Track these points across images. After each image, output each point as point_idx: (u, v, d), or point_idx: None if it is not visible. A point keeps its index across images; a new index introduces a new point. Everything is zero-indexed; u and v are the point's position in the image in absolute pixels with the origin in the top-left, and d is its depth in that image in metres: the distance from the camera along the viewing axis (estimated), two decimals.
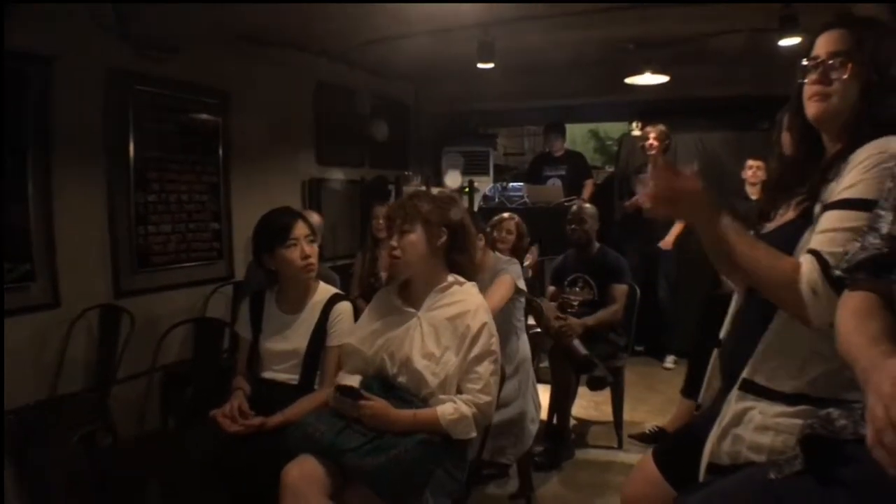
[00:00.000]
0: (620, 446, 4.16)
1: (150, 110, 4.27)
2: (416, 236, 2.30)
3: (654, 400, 4.99)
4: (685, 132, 6.42)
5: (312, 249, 2.63)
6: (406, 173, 6.42)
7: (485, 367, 2.22)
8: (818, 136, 1.60)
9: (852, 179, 1.39)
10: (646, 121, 6.53)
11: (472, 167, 7.17)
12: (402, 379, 2.25)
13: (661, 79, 5.76)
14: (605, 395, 4.23)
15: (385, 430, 2.11)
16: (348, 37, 5.11)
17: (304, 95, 5.74)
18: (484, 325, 2.25)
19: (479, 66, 5.08)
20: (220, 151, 4.82)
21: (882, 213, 1.22)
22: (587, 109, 8.23)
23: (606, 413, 4.36)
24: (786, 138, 2.89)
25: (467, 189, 6.33)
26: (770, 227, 1.65)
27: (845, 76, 1.49)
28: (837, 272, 1.29)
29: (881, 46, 1.48)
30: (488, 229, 3.78)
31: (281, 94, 5.37)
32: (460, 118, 7.98)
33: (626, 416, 4.30)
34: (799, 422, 1.37)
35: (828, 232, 1.37)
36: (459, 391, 2.21)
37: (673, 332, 5.87)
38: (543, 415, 3.95)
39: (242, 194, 4.95)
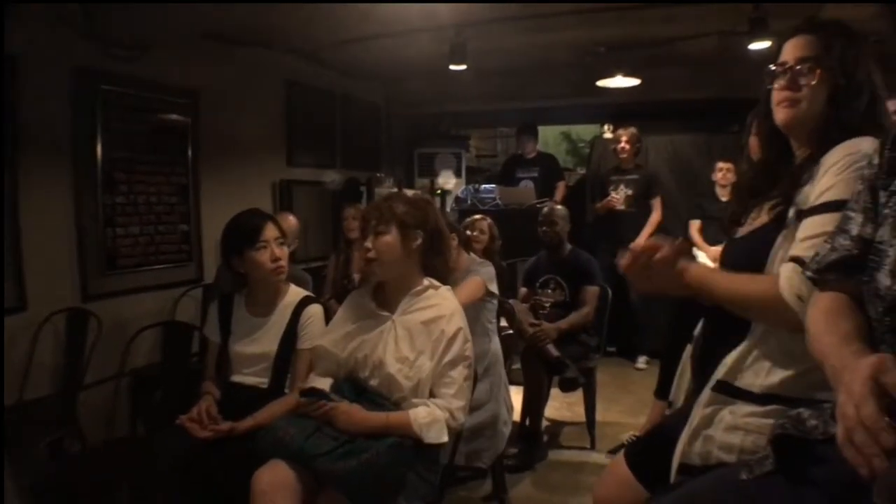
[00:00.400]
0: (593, 447, 4.17)
1: (117, 110, 4.20)
2: (391, 238, 2.27)
3: (627, 400, 5.02)
4: (656, 134, 6.49)
5: (282, 252, 2.60)
6: (378, 175, 6.38)
7: (458, 372, 2.21)
8: (787, 141, 1.61)
9: (828, 182, 1.40)
10: (617, 123, 6.58)
11: (444, 169, 7.16)
12: (374, 382, 2.23)
13: (633, 81, 5.81)
14: (578, 395, 4.24)
15: (357, 433, 2.09)
16: (319, 36, 5.08)
17: (275, 95, 5.69)
18: (459, 330, 2.24)
19: (452, 67, 5.07)
20: (190, 152, 4.75)
21: (852, 214, 1.23)
22: (559, 112, 8.25)
23: (579, 413, 4.37)
24: (754, 142, 2.92)
25: (438, 191, 6.33)
26: (743, 231, 1.66)
27: (814, 82, 1.50)
28: (808, 273, 1.29)
29: (848, 51, 1.50)
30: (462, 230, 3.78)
31: (251, 94, 5.32)
32: (432, 119, 7.97)
33: (599, 416, 4.31)
34: (769, 422, 1.38)
35: (810, 238, 1.38)
36: (433, 395, 2.20)
37: (645, 332, 5.90)
38: (516, 416, 3.96)
39: (212, 196, 4.89)
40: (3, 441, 2.80)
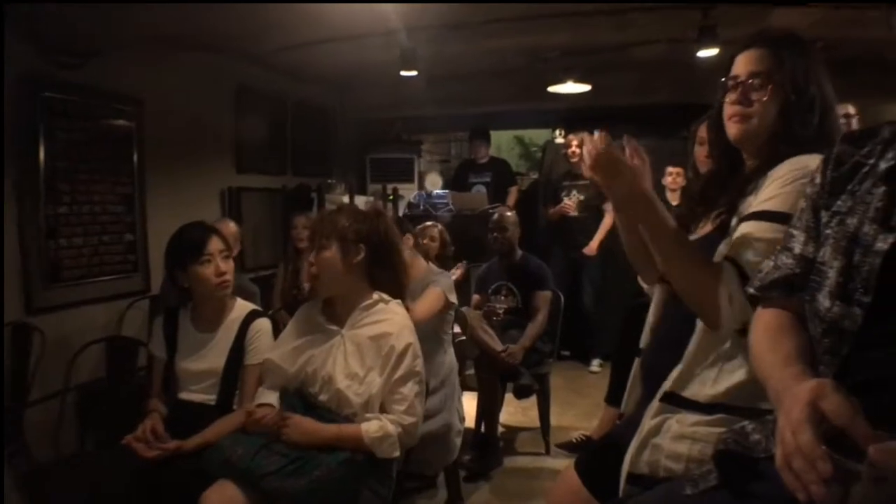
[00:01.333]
0: (548, 452, 4.18)
1: (60, 118, 4.07)
2: (331, 253, 2.25)
3: (581, 404, 5.05)
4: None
5: (228, 265, 2.54)
6: (329, 181, 6.30)
7: (409, 388, 2.19)
8: (739, 152, 1.63)
9: (770, 193, 1.42)
10: (569, 128, 6.63)
11: (397, 174, 7.12)
12: (324, 398, 2.20)
13: (583, 88, 5.86)
14: (533, 400, 4.25)
15: (308, 444, 2.07)
16: (269, 41, 5.01)
17: (223, 100, 5.58)
18: (409, 345, 2.21)
19: (402, 73, 5.06)
20: (135, 160, 4.64)
21: (795, 232, 1.24)
22: (512, 116, 8.30)
23: (534, 419, 4.38)
24: (700, 152, 2.96)
25: (391, 197, 6.30)
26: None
27: (765, 98, 1.52)
28: (751, 290, 1.30)
29: (800, 65, 1.52)
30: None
31: (199, 100, 5.21)
32: (385, 125, 7.93)
33: (554, 421, 4.33)
34: (716, 430, 1.40)
35: (743, 238, 1.40)
36: (384, 411, 2.18)
37: (598, 336, 5.96)
38: (471, 423, 3.95)
39: (158, 204, 4.78)
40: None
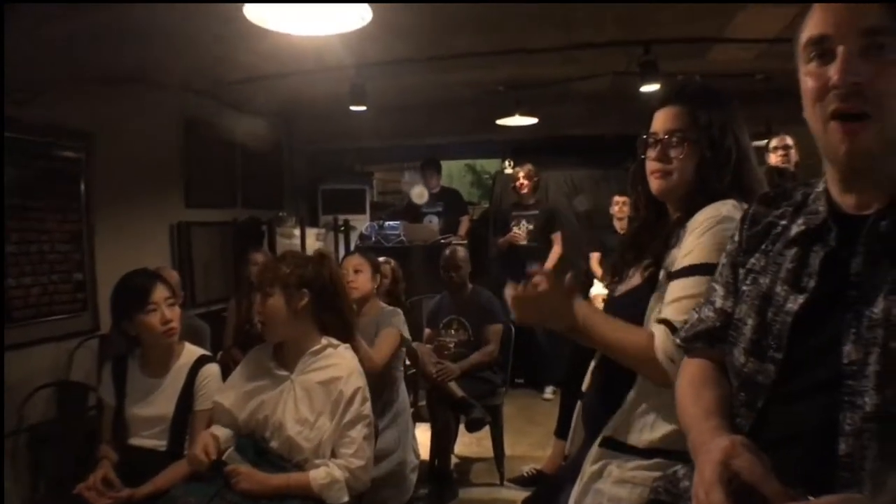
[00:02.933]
0: (503, 483, 4.19)
1: (7, 155, 4.00)
2: (275, 300, 2.28)
3: (536, 433, 5.07)
4: (555, 169, 6.71)
5: (174, 313, 2.53)
6: (280, 214, 6.27)
7: (358, 432, 2.21)
8: (664, 203, 1.70)
9: (690, 246, 1.48)
10: (518, 159, 6.74)
11: (348, 205, 7.12)
12: (275, 444, 2.20)
13: (531, 120, 5.96)
14: (487, 431, 4.26)
15: (258, 494, 2.06)
16: (217, 75, 5.01)
17: (172, 135, 5.53)
18: (358, 389, 2.23)
19: (352, 108, 5.09)
20: (83, 197, 4.57)
21: (716, 287, 1.29)
22: (462, 147, 8.39)
23: (488, 448, 4.38)
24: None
25: (343, 228, 6.30)
26: (621, 289, 1.74)
27: (682, 155, 1.59)
28: (678, 341, 1.36)
29: (714, 121, 1.59)
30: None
31: (147, 135, 5.15)
32: (336, 156, 7.94)
33: (508, 450, 4.34)
34: (654, 474, 1.44)
35: (675, 301, 1.46)
36: (334, 455, 2.19)
37: (551, 363, 5.98)
38: (425, 454, 3.95)
39: (107, 241, 4.70)
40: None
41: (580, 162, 6.89)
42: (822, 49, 1.06)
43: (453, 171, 12.18)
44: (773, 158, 4.87)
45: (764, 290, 1.15)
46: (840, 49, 1.03)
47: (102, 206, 4.71)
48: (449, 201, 7.05)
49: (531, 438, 4.96)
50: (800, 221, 1.16)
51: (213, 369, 2.55)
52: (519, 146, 7.23)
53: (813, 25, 1.07)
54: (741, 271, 1.23)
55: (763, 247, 1.21)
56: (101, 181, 4.69)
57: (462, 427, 4.21)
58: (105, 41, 3.82)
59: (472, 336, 4.29)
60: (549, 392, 6.02)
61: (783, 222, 1.20)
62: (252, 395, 2.28)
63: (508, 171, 7.10)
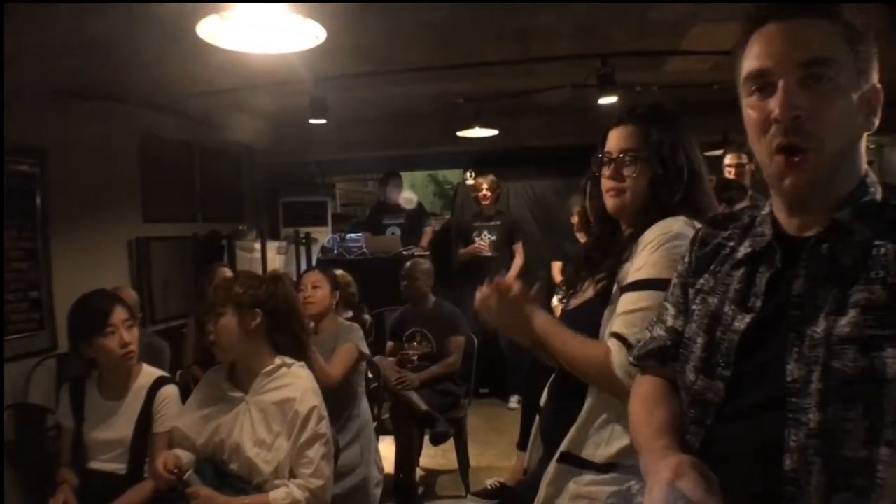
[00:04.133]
0: (468, 495, 4.19)
1: None
2: (227, 320, 2.27)
3: (501, 443, 5.08)
4: (517, 180, 6.78)
5: (132, 335, 2.51)
6: (240, 227, 6.21)
7: (315, 451, 2.20)
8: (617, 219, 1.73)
9: (641, 261, 1.52)
10: (479, 169, 6.78)
11: (310, 218, 7.08)
12: (234, 466, 2.18)
13: (491, 132, 5.99)
14: (452, 442, 4.27)
15: None
16: (175, 89, 4.95)
17: (129, 149, 5.44)
18: (313, 408, 2.23)
19: (312, 121, 5.08)
20: (39, 214, 4.48)
21: (667, 305, 1.32)
22: (424, 158, 8.41)
23: (453, 460, 4.38)
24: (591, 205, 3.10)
25: (304, 241, 6.25)
26: (574, 303, 1.78)
27: (635, 174, 1.63)
28: (631, 359, 1.39)
29: (666, 140, 1.64)
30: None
31: (104, 150, 5.06)
32: (297, 168, 7.90)
33: (473, 461, 4.35)
34: (609, 489, 1.47)
35: (626, 314, 1.49)
36: (293, 475, 2.18)
37: (516, 372, 6.01)
38: (390, 468, 3.94)
39: (64, 258, 4.61)
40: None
41: (541, 172, 6.96)
42: (763, 82, 1.09)
43: (416, 182, 12.20)
44: (728, 174, 4.95)
45: (713, 310, 1.18)
46: (780, 83, 1.06)
47: (59, 222, 4.62)
48: (411, 213, 7.05)
49: (496, 449, 4.97)
50: (747, 243, 1.19)
51: (171, 391, 2.53)
52: (480, 157, 7.28)
53: (753, 58, 1.10)
54: (691, 291, 1.26)
55: (712, 267, 1.24)
56: (57, 197, 4.60)
57: (427, 439, 4.22)
58: (61, 56, 3.77)
59: (436, 348, 4.30)
60: (513, 401, 6.03)
61: (731, 244, 1.23)
62: (209, 419, 2.26)
63: (470, 181, 7.13)
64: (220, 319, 2.26)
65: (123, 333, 2.48)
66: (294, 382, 2.28)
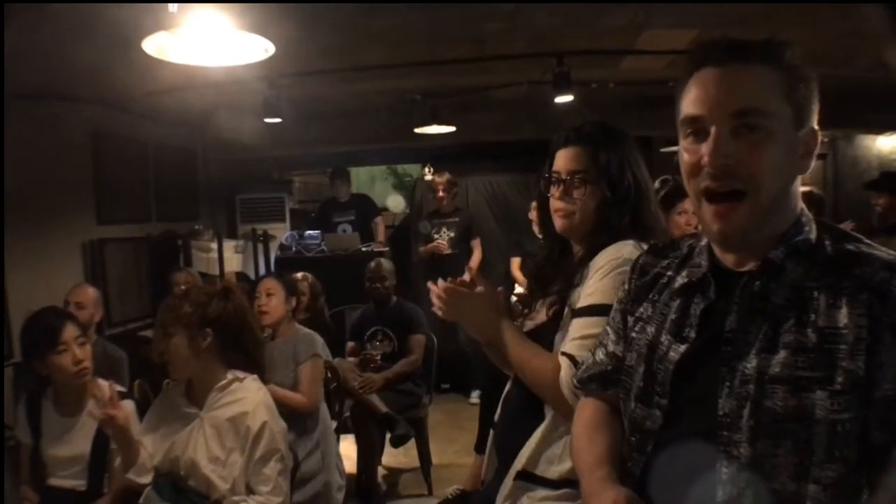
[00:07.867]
0: (431, 493, 4.22)
1: None
2: (177, 340, 2.22)
3: (462, 439, 5.09)
4: (475, 175, 6.81)
5: (85, 352, 2.48)
6: (196, 227, 6.11)
7: (271, 468, 2.18)
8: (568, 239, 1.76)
9: (592, 287, 1.55)
10: (437, 165, 6.78)
11: (267, 214, 6.99)
12: (192, 483, 2.16)
13: (448, 129, 6.00)
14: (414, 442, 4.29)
15: None
16: (126, 88, 4.86)
17: (80, 149, 5.32)
18: (265, 423, 2.20)
19: (266, 120, 5.03)
20: None
21: (609, 331, 1.35)
22: (382, 153, 8.37)
23: (415, 458, 4.39)
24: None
25: (262, 238, 6.18)
26: (529, 325, 1.80)
27: (584, 196, 1.65)
28: (575, 381, 1.42)
29: (613, 160, 1.66)
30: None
31: (54, 151, 4.95)
32: (254, 164, 7.80)
33: (436, 458, 4.38)
34: None
35: (577, 339, 1.52)
36: (251, 492, 2.17)
37: (476, 366, 6.05)
38: (351, 467, 3.94)
39: (16, 264, 4.48)
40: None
41: (499, 167, 6.99)
42: (697, 128, 1.11)
43: (376, 174, 12.15)
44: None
45: (650, 339, 1.21)
46: (712, 130, 1.07)
47: (9, 226, 4.51)
48: (359, 207, 6.97)
49: (458, 445, 5.00)
50: (684, 273, 1.22)
51: (128, 406, 2.49)
52: (438, 152, 7.27)
53: (689, 103, 1.12)
54: (630, 319, 1.29)
55: (651, 296, 1.26)
56: (6, 200, 4.49)
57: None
58: (6, 59, 3.68)
59: (397, 347, 4.31)
60: (475, 396, 6.06)
61: (669, 273, 1.26)
62: (166, 437, 2.24)
63: (428, 177, 7.13)
64: (171, 340, 2.22)
65: (76, 351, 2.44)
66: (245, 397, 2.24)
